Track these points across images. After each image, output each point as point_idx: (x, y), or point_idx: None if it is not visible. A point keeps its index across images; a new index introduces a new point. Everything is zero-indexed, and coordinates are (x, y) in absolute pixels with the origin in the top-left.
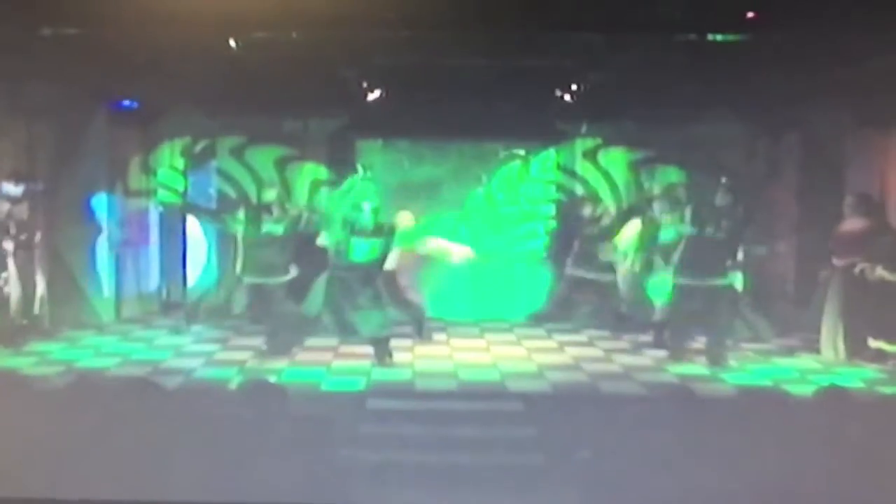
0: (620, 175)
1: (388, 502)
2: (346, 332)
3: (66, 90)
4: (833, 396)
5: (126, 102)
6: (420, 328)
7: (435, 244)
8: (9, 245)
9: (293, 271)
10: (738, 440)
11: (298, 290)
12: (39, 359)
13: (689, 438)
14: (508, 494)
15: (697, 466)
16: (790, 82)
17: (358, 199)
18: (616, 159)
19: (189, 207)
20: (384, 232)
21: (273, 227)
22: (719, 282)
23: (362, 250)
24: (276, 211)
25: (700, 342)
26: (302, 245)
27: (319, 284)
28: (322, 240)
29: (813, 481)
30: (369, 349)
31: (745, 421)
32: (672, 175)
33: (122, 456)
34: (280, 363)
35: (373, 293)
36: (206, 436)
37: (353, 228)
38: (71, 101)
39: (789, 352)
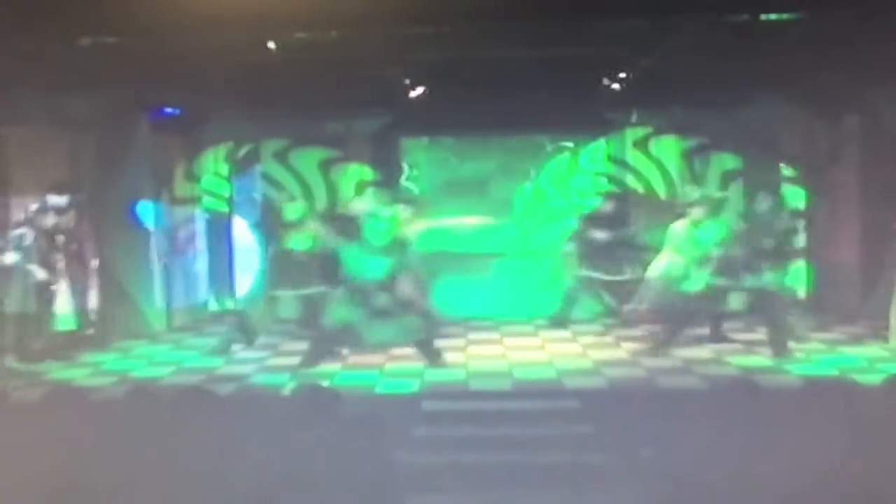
0: (673, 164)
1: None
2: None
3: (107, 99)
4: None
5: (168, 109)
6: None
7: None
8: (58, 256)
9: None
10: (804, 431)
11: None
12: (93, 370)
13: (753, 431)
14: (565, 494)
15: (761, 460)
16: (847, 63)
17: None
18: (668, 147)
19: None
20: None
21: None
22: (759, 283)
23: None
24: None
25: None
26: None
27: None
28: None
29: (882, 472)
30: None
31: (812, 412)
32: (727, 162)
33: (179, 465)
34: (333, 367)
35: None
36: (260, 441)
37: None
38: (112, 111)
39: (856, 340)
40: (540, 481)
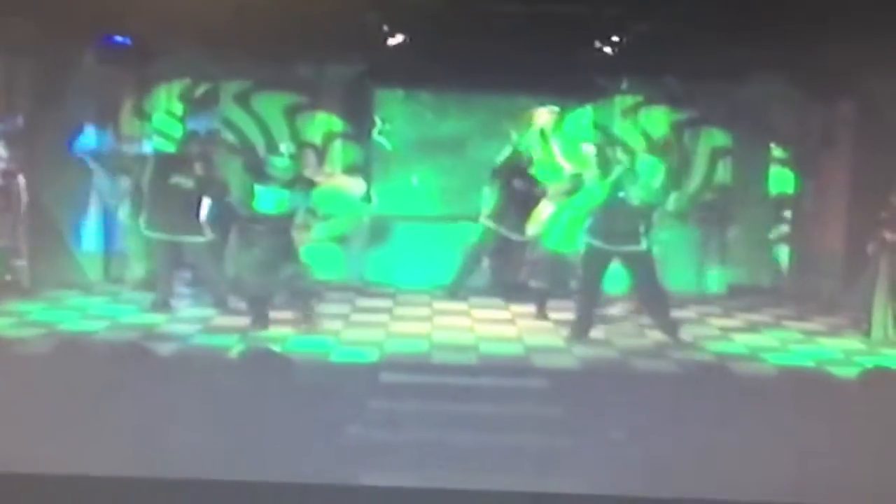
0: (661, 136)
1: (394, 482)
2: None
3: (52, 23)
4: (878, 379)
5: (118, 38)
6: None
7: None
8: None
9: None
10: (776, 421)
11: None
12: (18, 319)
13: (723, 419)
14: (527, 474)
15: (731, 448)
16: (847, 45)
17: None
18: (657, 119)
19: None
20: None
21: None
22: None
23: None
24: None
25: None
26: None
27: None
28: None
29: (854, 465)
30: (384, 318)
31: (785, 402)
32: (717, 139)
33: (109, 428)
34: (285, 331)
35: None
36: (202, 408)
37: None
38: (57, 34)
39: (835, 331)
40: (501, 460)
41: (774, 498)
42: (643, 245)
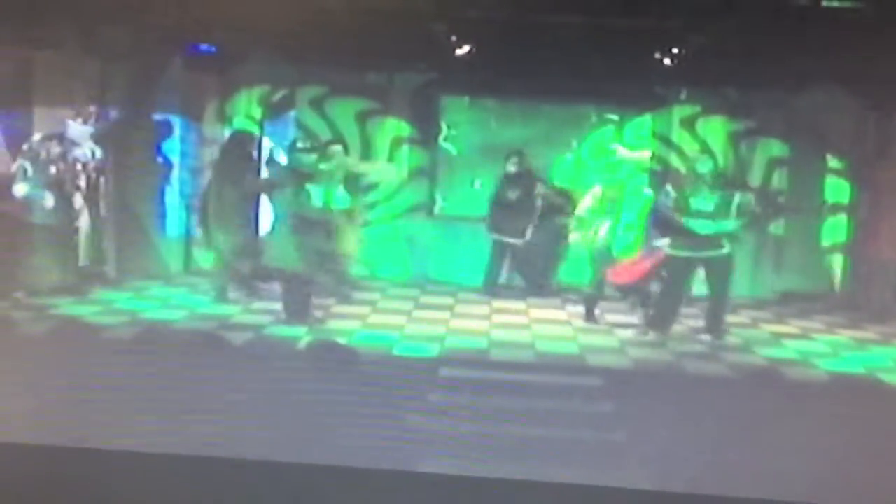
0: (719, 146)
1: (450, 470)
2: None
3: (142, 31)
4: None
5: (204, 47)
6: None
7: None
8: (77, 188)
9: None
10: (825, 426)
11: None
12: (104, 308)
13: (773, 422)
14: (577, 467)
15: (780, 451)
16: None
17: None
18: (715, 129)
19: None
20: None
21: None
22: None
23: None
24: None
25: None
26: None
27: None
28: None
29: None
30: (445, 315)
31: (835, 407)
32: (774, 149)
33: (184, 411)
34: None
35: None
36: (269, 395)
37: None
38: (147, 43)
39: (888, 339)
40: (553, 453)
41: (820, 500)
42: (725, 249)
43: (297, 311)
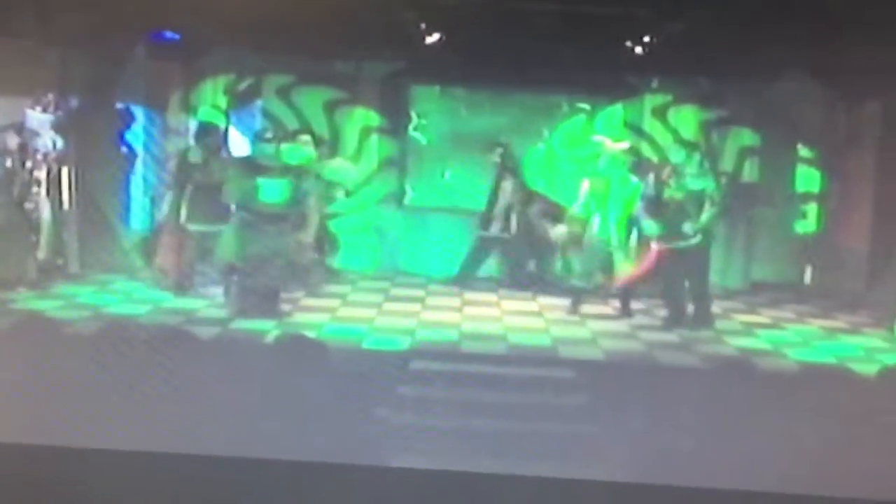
0: (691, 135)
1: (421, 464)
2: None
3: (104, 18)
4: None
5: (167, 34)
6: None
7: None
8: (36, 178)
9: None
10: (794, 415)
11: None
12: (66, 302)
13: (743, 412)
14: (549, 460)
15: (750, 441)
16: (876, 45)
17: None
18: (687, 119)
19: None
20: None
21: None
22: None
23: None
24: None
25: None
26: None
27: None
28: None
29: (871, 458)
30: (415, 307)
31: (804, 397)
32: (745, 138)
33: (149, 407)
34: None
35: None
36: (238, 389)
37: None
38: (109, 30)
39: (858, 329)
40: (525, 446)
41: (789, 489)
42: (697, 239)
43: (257, 305)
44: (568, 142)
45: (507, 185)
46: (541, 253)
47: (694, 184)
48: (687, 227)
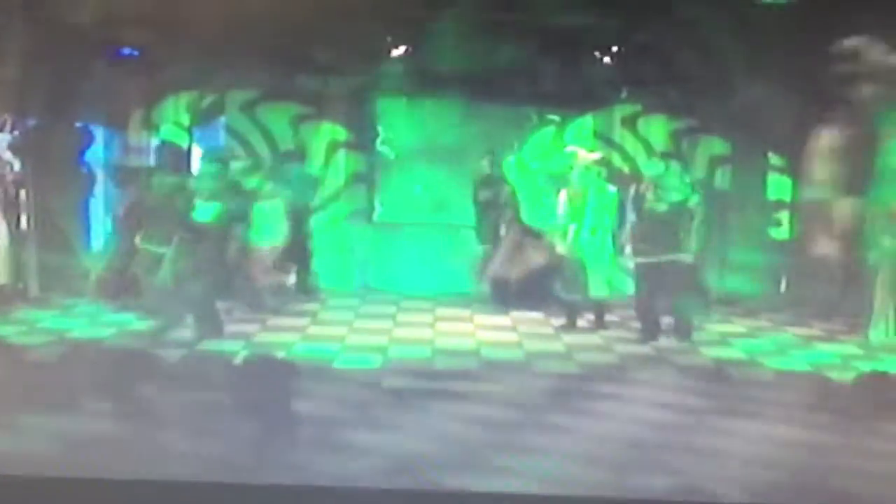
0: (661, 145)
1: (392, 484)
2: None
3: (61, 31)
4: (874, 383)
5: (127, 50)
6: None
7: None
8: None
9: None
10: (771, 423)
11: None
12: (28, 327)
13: (719, 421)
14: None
15: (727, 450)
16: (840, 52)
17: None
18: (656, 128)
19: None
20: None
21: None
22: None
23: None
24: None
25: None
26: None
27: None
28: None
29: (846, 465)
30: (387, 325)
31: (782, 404)
32: (716, 147)
33: (118, 432)
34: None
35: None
36: (207, 412)
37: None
38: (67, 46)
39: (832, 336)
40: (504, 464)
41: (764, 499)
42: (683, 253)
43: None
44: (540, 153)
45: (501, 193)
46: (528, 266)
47: (676, 196)
48: (670, 240)
